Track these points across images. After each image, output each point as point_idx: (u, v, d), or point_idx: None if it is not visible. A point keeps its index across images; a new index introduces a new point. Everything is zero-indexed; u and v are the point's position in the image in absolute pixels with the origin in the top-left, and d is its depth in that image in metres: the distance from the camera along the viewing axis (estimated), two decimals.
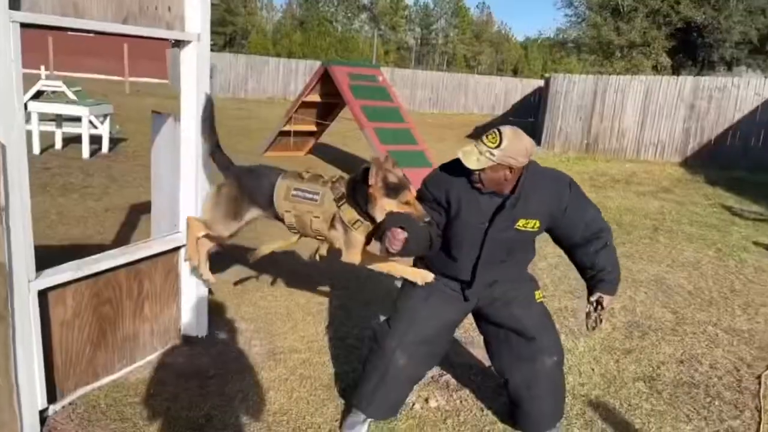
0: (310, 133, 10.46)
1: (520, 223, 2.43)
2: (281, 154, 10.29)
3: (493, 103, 25.85)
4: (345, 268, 4.93)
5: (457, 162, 2.41)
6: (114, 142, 9.77)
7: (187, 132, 3.10)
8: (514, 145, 2.27)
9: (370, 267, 2.66)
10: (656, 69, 24.25)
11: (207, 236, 3.04)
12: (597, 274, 2.49)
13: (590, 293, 2.53)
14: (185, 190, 3.18)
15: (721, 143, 12.60)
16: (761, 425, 2.95)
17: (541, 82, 23.81)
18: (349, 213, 2.55)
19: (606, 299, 2.48)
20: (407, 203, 2.42)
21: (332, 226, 2.61)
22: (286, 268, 4.84)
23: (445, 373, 3.27)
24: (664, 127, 12.87)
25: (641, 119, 12.97)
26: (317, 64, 25.26)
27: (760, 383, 3.37)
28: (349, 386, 3.05)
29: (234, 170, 2.97)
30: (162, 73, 29.51)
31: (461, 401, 3.03)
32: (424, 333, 2.60)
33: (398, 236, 2.32)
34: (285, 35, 62.06)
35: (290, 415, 2.81)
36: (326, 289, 4.45)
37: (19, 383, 2.34)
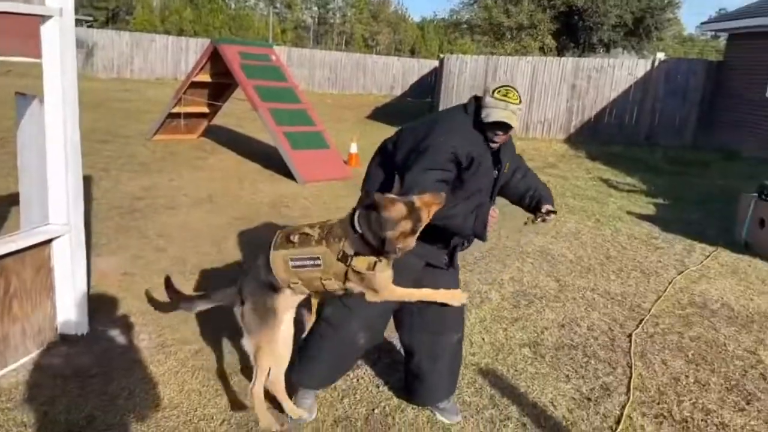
0: (203, 115, 10.03)
1: (506, 166, 2.62)
2: (172, 137, 9.82)
3: (391, 83, 26.05)
4: (237, 253, 4.82)
5: (462, 128, 2.45)
6: None
7: (53, 115, 2.86)
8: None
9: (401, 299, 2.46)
10: (543, 50, 25.47)
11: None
12: (535, 193, 2.70)
13: (537, 210, 2.67)
14: (54, 178, 2.94)
15: (599, 121, 13.53)
16: (631, 380, 3.22)
17: (437, 63, 24.30)
18: (362, 262, 2.25)
19: (549, 207, 2.67)
20: (423, 208, 2.19)
21: (347, 279, 2.31)
22: (174, 255, 4.65)
23: None
24: (549, 105, 13.59)
25: (529, 98, 13.61)
26: (209, 42, 24.10)
27: (630, 341, 3.69)
28: (246, 371, 3.00)
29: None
30: (36, 52, 27.00)
31: (357, 380, 3.06)
32: (388, 309, 2.63)
33: (495, 215, 2.38)
34: (174, 11, 58.70)
35: (181, 409, 2.71)
36: (220, 277, 4.32)
37: None
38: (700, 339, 3.77)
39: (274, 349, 2.46)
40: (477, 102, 2.51)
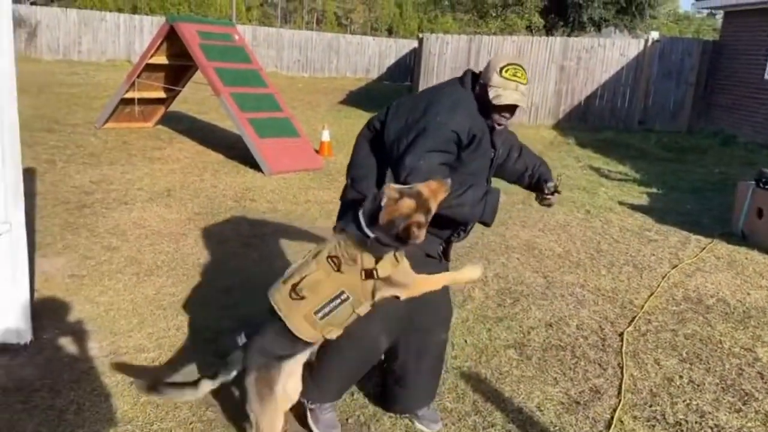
0: (159, 101, 9.89)
1: (500, 148, 2.68)
2: (125, 126, 9.67)
3: (367, 65, 25.98)
4: (199, 253, 4.77)
5: (464, 105, 2.46)
6: None
7: None
8: None
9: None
10: (530, 29, 25.63)
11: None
12: (535, 170, 2.79)
13: (540, 189, 2.77)
14: None
15: (590, 105, 13.68)
16: (623, 381, 3.28)
17: (416, 43, 24.29)
18: (386, 266, 2.20)
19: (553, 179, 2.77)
20: (431, 198, 2.17)
21: (375, 292, 2.24)
22: (128, 255, 4.59)
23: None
24: (537, 89, 13.69)
25: None
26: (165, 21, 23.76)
27: (622, 340, 3.74)
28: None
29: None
30: None
31: None
32: (405, 308, 2.48)
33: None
34: None
35: (135, 423, 2.68)
36: (180, 277, 4.28)
37: None
38: (695, 336, 3.84)
39: (276, 425, 2.34)
40: (474, 78, 2.54)
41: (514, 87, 2.40)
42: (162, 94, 9.69)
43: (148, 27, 23.26)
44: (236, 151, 8.30)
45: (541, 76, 13.64)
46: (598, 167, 9.31)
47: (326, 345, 2.47)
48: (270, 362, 2.29)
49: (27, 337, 3.17)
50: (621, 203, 7.16)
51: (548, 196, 2.76)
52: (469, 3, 28.31)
